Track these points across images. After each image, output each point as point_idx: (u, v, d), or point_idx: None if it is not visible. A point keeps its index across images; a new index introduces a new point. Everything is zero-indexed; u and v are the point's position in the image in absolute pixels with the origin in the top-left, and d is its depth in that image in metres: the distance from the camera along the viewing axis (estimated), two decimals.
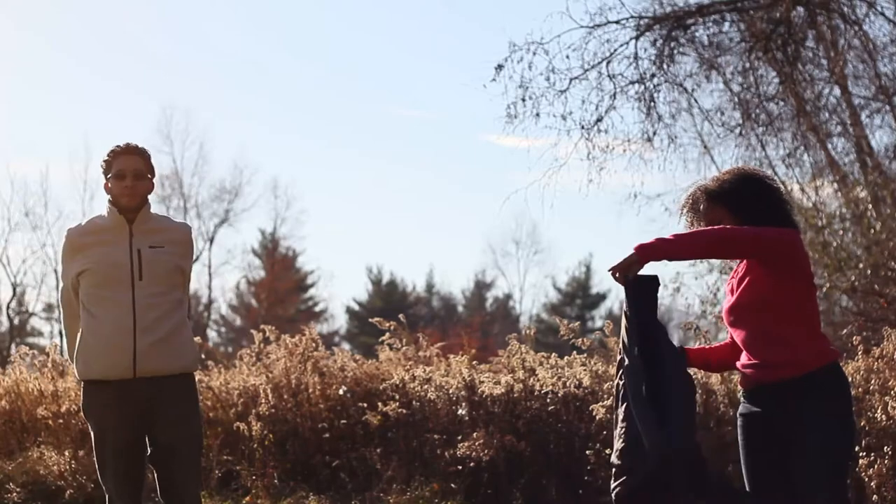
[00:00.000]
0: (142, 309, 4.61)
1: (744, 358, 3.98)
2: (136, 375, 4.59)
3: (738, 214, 3.94)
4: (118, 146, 4.78)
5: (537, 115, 12.98)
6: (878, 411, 6.50)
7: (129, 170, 4.70)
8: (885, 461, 6.38)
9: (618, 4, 13.06)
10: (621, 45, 13.07)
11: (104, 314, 4.63)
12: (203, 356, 9.63)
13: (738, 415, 4.06)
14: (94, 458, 4.74)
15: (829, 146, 14.08)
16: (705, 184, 4.06)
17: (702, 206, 4.01)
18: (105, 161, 4.78)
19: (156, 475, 4.70)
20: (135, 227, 4.72)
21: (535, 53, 12.91)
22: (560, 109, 12.99)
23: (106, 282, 4.64)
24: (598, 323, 38.41)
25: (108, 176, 4.74)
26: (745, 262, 3.98)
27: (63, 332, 4.91)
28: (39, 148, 51.45)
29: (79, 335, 4.69)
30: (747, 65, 13.48)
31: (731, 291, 4.01)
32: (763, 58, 13.33)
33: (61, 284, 4.84)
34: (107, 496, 4.71)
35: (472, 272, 53.90)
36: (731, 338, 4.08)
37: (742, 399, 4.05)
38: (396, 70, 55.16)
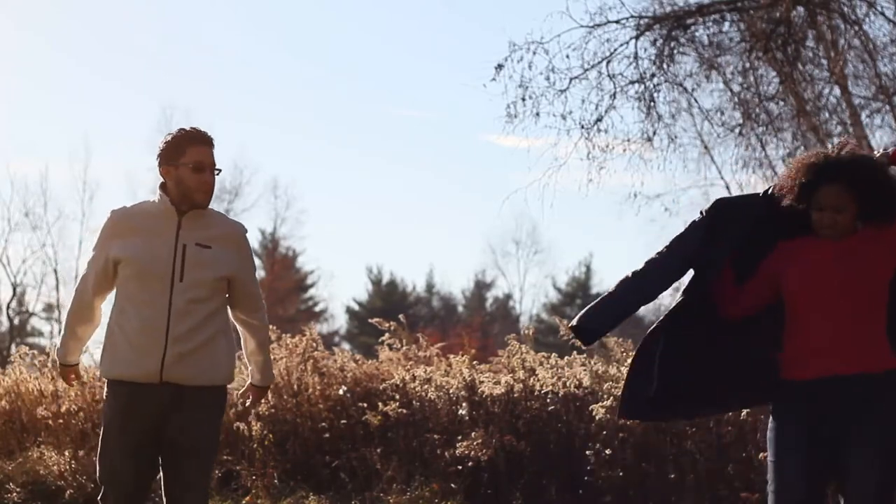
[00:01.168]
0: (177, 315, 4.27)
1: (813, 344, 3.74)
2: (162, 380, 4.30)
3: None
4: (189, 130, 4.38)
5: (537, 114, 13.01)
6: None
7: (209, 163, 4.34)
8: None
9: (618, 4, 13.08)
10: (621, 45, 13.09)
11: (137, 313, 4.30)
12: None
13: (774, 407, 3.82)
14: (98, 453, 4.44)
15: (830, 146, 14.05)
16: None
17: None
18: (172, 144, 4.35)
19: (162, 477, 4.41)
20: (185, 219, 4.34)
21: (535, 53, 12.93)
22: (560, 109, 13.02)
23: (143, 276, 4.29)
24: None
25: (179, 162, 4.32)
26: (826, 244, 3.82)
27: (63, 325, 4.52)
28: (39, 148, 51.44)
29: (106, 329, 4.37)
30: (747, 65, 13.48)
31: (815, 267, 3.80)
32: (763, 58, 13.33)
33: (84, 271, 4.43)
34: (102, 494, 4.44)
35: (472, 272, 53.90)
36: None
37: (785, 391, 3.81)
38: (396, 70, 55.16)
